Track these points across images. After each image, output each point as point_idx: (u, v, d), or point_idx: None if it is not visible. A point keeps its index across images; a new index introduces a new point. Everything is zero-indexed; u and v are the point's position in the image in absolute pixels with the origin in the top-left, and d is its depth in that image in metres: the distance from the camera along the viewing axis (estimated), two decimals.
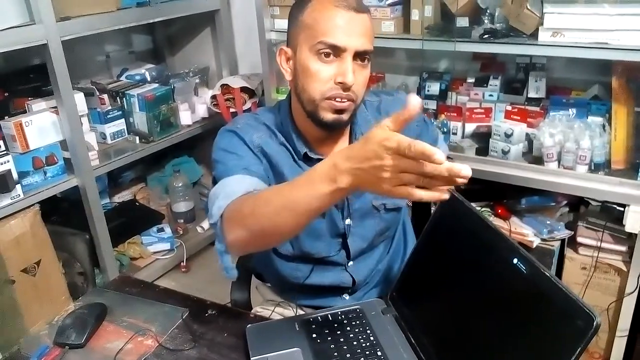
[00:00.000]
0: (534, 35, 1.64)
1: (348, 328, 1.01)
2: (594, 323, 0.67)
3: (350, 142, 1.13)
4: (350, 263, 1.20)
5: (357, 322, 1.03)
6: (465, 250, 0.94)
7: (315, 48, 0.99)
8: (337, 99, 1.01)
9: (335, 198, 0.81)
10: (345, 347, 0.96)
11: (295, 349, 0.97)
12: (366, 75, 1.04)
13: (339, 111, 1.02)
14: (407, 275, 1.07)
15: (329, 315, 1.05)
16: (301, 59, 1.02)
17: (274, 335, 1.01)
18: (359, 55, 1.00)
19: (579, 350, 0.68)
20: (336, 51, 0.99)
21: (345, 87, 0.99)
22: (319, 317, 1.04)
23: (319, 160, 1.09)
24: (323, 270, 1.20)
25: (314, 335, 0.99)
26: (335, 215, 1.14)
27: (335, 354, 0.95)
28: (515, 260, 0.80)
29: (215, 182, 1.06)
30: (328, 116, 1.03)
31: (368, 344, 0.97)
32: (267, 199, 0.91)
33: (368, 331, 1.00)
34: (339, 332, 1.00)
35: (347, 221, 1.15)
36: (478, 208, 0.98)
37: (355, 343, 0.97)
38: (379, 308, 1.07)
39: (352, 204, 1.14)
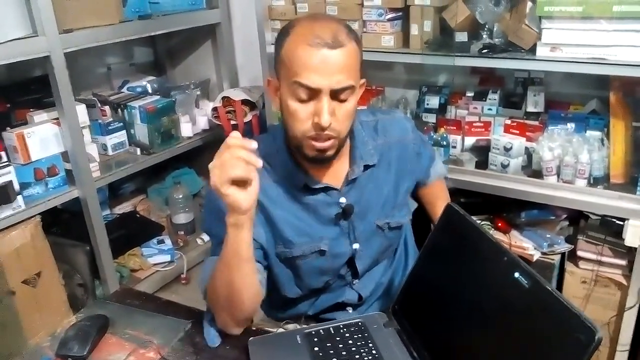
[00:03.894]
0: (533, 50, 1.65)
1: (350, 341, 1.01)
2: (596, 337, 0.67)
3: (350, 165, 1.12)
4: (356, 281, 1.21)
5: (359, 335, 1.03)
6: (466, 264, 0.95)
7: (292, 88, 0.97)
8: (317, 139, 1.00)
9: (233, 232, 0.92)
10: None
11: None
12: (348, 109, 1.00)
13: (321, 150, 1.02)
14: (409, 289, 1.08)
15: (331, 329, 1.05)
16: (282, 95, 1.01)
17: (276, 348, 1.01)
18: (337, 92, 0.97)
19: None
20: (311, 92, 0.96)
21: (321, 128, 0.98)
22: (321, 330, 1.04)
23: (320, 190, 1.10)
24: (328, 293, 1.21)
25: (316, 349, 1.00)
26: (342, 244, 1.14)
27: None
28: (516, 274, 0.81)
29: (203, 229, 1.17)
30: (312, 153, 1.03)
31: (370, 357, 0.97)
32: (214, 272, 1.00)
33: (370, 344, 1.00)
34: (341, 345, 1.00)
35: (356, 245, 1.15)
36: (478, 221, 0.99)
37: (357, 356, 0.97)
38: (380, 321, 1.07)
39: (356, 228, 1.14)
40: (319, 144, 1.00)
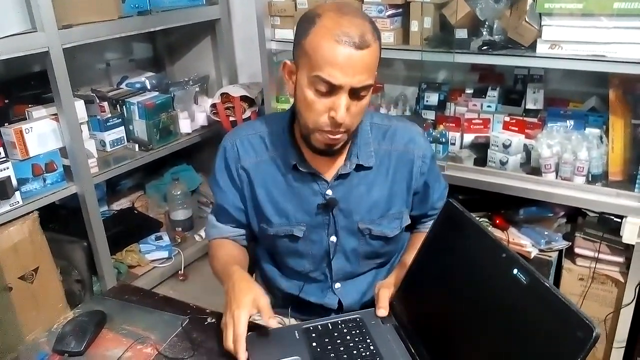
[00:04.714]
0: (532, 47, 1.65)
1: (348, 337, 1.01)
2: (593, 334, 0.67)
3: (345, 161, 1.12)
4: (338, 285, 1.21)
5: (357, 331, 1.03)
6: (465, 260, 0.95)
7: (312, 79, 0.97)
8: (329, 132, 1.01)
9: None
10: (345, 356, 0.96)
11: (295, 357, 0.97)
12: (363, 105, 1.02)
13: (331, 143, 1.03)
14: (407, 285, 1.08)
15: (329, 324, 1.05)
16: (300, 83, 1.01)
17: (274, 344, 1.01)
18: (357, 90, 0.98)
19: None
20: (332, 87, 0.96)
21: (336, 124, 0.99)
22: (319, 326, 1.04)
23: (308, 174, 1.12)
24: (310, 288, 1.21)
25: (314, 344, 1.00)
26: (319, 233, 1.16)
27: None
28: (515, 271, 0.81)
29: (210, 184, 1.27)
30: (320, 145, 1.04)
31: (368, 353, 0.97)
32: (213, 263, 1.20)
33: (368, 340, 1.00)
34: (338, 341, 1.00)
35: (333, 238, 1.16)
36: (477, 218, 0.99)
37: (355, 352, 0.97)
38: (378, 317, 1.07)
39: (338, 222, 1.15)
40: (331, 137, 1.02)
